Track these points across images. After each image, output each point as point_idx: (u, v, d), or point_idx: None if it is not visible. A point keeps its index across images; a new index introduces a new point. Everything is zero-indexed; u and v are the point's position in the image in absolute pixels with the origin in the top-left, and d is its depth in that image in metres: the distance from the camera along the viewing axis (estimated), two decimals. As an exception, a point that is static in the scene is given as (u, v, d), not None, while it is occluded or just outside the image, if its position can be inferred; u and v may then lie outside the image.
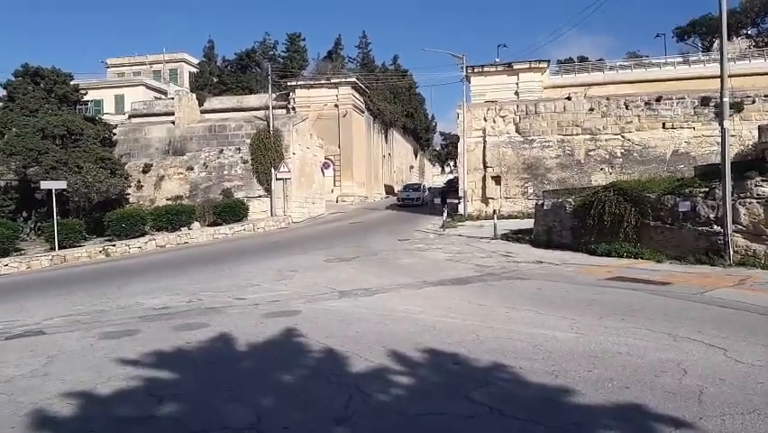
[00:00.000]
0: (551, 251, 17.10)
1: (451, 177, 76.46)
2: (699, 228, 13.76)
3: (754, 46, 42.22)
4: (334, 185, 44.00)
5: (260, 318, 9.59)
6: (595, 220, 15.81)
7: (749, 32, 41.90)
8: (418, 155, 71.07)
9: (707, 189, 13.91)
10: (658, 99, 28.04)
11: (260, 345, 7.88)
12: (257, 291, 12.54)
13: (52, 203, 22.17)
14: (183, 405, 5.53)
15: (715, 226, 13.47)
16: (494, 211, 23.61)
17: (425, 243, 21.60)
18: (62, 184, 22.78)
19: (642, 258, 14.66)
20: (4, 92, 32.97)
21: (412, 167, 67.05)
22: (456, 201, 33.14)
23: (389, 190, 54.61)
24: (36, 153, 26.32)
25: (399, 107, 53.34)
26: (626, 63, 42.73)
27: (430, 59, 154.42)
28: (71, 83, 33.48)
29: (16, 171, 26.77)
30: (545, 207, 18.45)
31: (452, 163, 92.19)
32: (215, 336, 8.41)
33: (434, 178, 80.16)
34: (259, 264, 17.25)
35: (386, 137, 54.38)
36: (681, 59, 41.19)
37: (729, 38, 42.78)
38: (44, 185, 22.29)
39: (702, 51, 42.12)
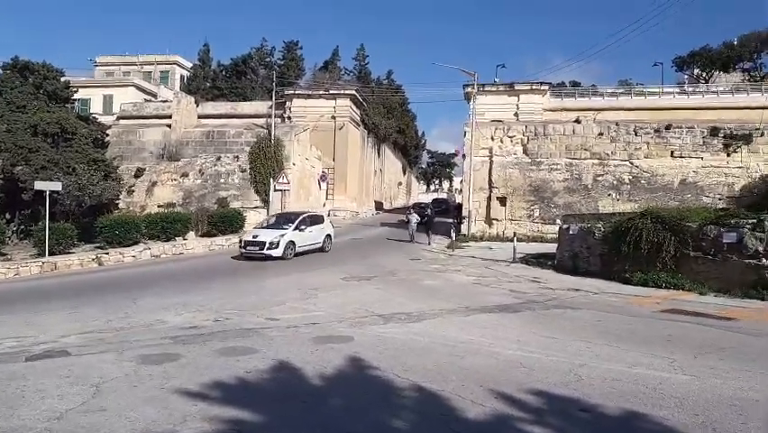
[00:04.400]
0: (579, 278, 16.51)
1: (438, 195, 75.79)
2: (746, 261, 13.31)
3: (747, 80, 42.82)
4: (326, 198, 43.00)
5: (310, 344, 8.75)
6: (630, 248, 15.28)
7: (745, 67, 42.54)
8: (406, 172, 70.60)
9: (755, 220, 13.49)
10: (667, 127, 27.99)
11: (332, 377, 7.03)
12: (286, 311, 11.69)
13: (45, 205, 20.79)
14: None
15: (764, 260, 13.02)
16: (514, 234, 22.93)
17: (438, 263, 20.84)
18: (57, 185, 21.39)
19: (682, 289, 14.15)
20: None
21: (400, 183, 66.47)
22: (450, 221, 32.54)
23: (379, 206, 53.81)
24: (26, 151, 24.85)
25: (393, 122, 52.78)
26: (626, 90, 42.89)
27: (424, 77, 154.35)
28: (62, 80, 32.06)
29: (2, 169, 25.25)
30: (571, 233, 17.90)
31: (436, 182, 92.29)
32: (275, 365, 7.53)
33: (420, 196, 79.70)
34: (272, 280, 16.32)
35: (378, 152, 53.74)
36: (678, 90, 41.52)
37: (726, 71, 43.50)
38: (38, 185, 20.88)
39: (702, 82, 42.55)
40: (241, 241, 22.16)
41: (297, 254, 21.41)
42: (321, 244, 23.08)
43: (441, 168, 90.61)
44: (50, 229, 21.00)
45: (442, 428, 5.30)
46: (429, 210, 37.45)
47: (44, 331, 9.91)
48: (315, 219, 23.79)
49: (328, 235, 23.95)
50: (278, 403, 6.06)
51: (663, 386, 6.50)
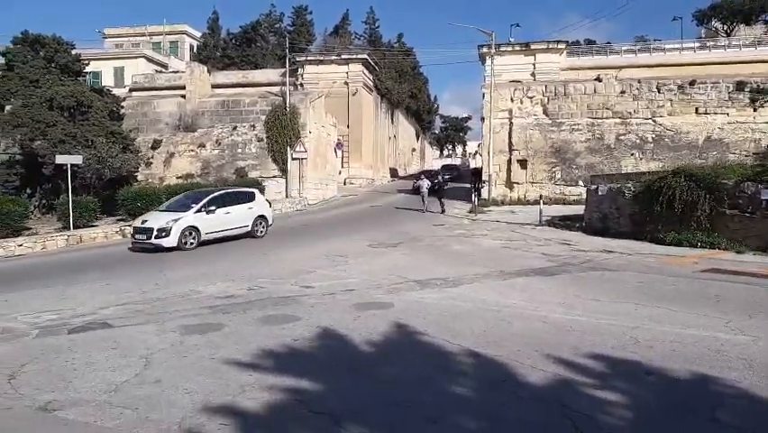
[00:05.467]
0: (610, 239, 16.25)
1: (449, 161, 74.80)
2: (786, 218, 12.97)
3: (768, 33, 41.50)
4: (342, 166, 42.74)
5: (351, 311, 8.66)
6: (663, 207, 14.97)
7: (767, 19, 41.16)
8: (420, 138, 69.88)
9: (795, 177, 13.11)
10: (691, 83, 27.24)
11: (382, 344, 6.93)
12: (318, 279, 11.57)
13: (67, 179, 20.72)
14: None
15: (805, 216, 12.68)
16: (540, 196, 22.63)
17: (462, 228, 20.64)
18: (78, 159, 21.26)
19: (718, 248, 13.89)
20: (2, 60, 31.11)
21: (414, 150, 65.89)
22: (467, 186, 31.94)
23: (394, 173, 53.43)
24: (44, 126, 24.73)
25: (406, 87, 51.98)
26: (643, 47, 41.76)
27: (434, 39, 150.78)
28: (73, 52, 31.71)
29: (21, 145, 25.20)
30: (600, 193, 17.57)
31: (450, 147, 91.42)
32: (320, 333, 7.43)
33: (433, 162, 79.05)
34: (300, 249, 16.21)
35: (392, 118, 53.11)
36: (699, 45, 40.37)
37: (748, 24, 42.17)
38: (59, 159, 20.75)
39: (723, 36, 41.31)
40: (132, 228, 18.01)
41: (207, 242, 17.25)
42: (249, 228, 18.61)
43: (454, 132, 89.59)
44: (73, 203, 21.00)
45: (506, 394, 5.16)
46: (440, 177, 36.50)
47: (81, 304, 9.87)
48: (239, 197, 19.14)
49: (261, 217, 19.16)
50: (334, 371, 5.95)
51: (726, 348, 6.32)
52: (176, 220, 16.83)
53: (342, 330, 7.54)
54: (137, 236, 17.10)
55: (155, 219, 17.14)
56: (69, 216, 20.64)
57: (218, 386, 5.50)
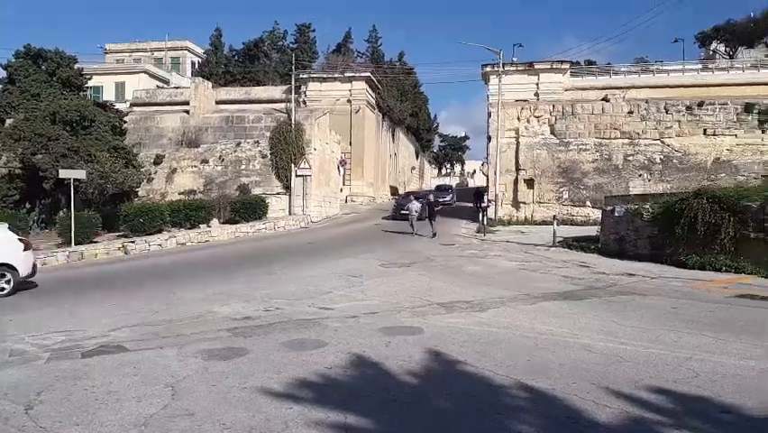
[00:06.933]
0: (628, 262, 15.88)
1: (445, 181, 73.97)
2: (815, 242, 12.66)
3: (768, 56, 41.67)
4: (344, 184, 42.38)
5: (379, 336, 8.25)
6: (684, 230, 14.64)
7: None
8: (419, 156, 69.74)
9: (824, 200, 12.82)
10: (700, 104, 27.14)
11: (422, 374, 6.50)
12: (336, 300, 11.18)
13: (70, 193, 20.26)
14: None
15: (835, 241, 12.37)
16: (554, 217, 22.26)
17: (473, 248, 20.25)
18: (81, 173, 20.84)
19: (743, 273, 13.54)
20: (4, 73, 30.79)
21: (413, 168, 65.67)
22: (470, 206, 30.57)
23: (394, 191, 53.07)
24: (46, 139, 24.31)
25: (407, 105, 51.90)
26: (644, 68, 41.87)
27: (434, 57, 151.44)
28: (75, 67, 31.42)
29: (22, 159, 24.74)
30: (617, 215, 17.24)
31: (448, 166, 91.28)
32: (353, 360, 7.00)
33: (432, 180, 78.79)
34: (311, 268, 15.77)
35: (393, 136, 52.94)
36: (701, 66, 40.49)
37: (751, 46, 42.38)
38: (63, 173, 20.32)
39: (726, 58, 41.46)
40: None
41: None
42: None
43: (452, 151, 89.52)
44: (74, 218, 20.51)
45: (577, 434, 4.74)
46: (431, 197, 31.16)
47: (91, 324, 9.41)
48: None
49: (6, 267, 12.76)
50: (379, 404, 5.50)
51: (794, 381, 5.93)
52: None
53: (376, 358, 7.11)
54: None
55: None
56: (71, 231, 20.16)
57: (259, 421, 5.05)
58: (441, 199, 36.70)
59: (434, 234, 23.07)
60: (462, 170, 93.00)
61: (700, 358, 6.86)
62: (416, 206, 24.80)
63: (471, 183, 79.91)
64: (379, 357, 7.12)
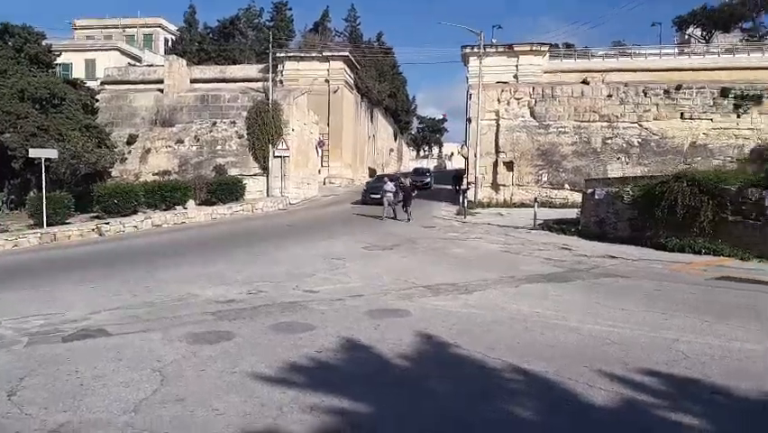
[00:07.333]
0: (608, 244, 16.05)
1: (422, 164, 73.26)
2: (792, 225, 12.91)
3: (745, 40, 42.32)
4: (322, 165, 42.03)
5: (367, 319, 8.18)
6: (664, 213, 14.82)
7: (744, 27, 41.94)
8: (397, 138, 69.47)
9: (801, 183, 13.06)
10: (677, 88, 27.43)
11: (414, 357, 6.44)
12: (320, 283, 11.07)
13: (41, 173, 19.69)
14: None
15: (811, 223, 12.63)
16: (535, 199, 22.38)
17: (454, 231, 20.27)
18: (53, 153, 20.22)
19: (722, 255, 13.77)
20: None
21: (392, 150, 65.44)
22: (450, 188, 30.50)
23: (372, 173, 52.86)
24: (14, 117, 23.53)
25: (386, 86, 51.54)
26: (621, 51, 42.22)
27: (412, 38, 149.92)
28: (43, 43, 30.37)
29: (-11, 137, 23.93)
30: (597, 197, 17.38)
31: (426, 148, 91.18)
32: (343, 343, 6.92)
33: (410, 162, 78.63)
34: (292, 250, 15.62)
35: (371, 117, 52.59)
36: (677, 51, 40.99)
37: (726, 31, 42.93)
38: (33, 153, 19.70)
39: (702, 42, 41.95)
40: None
41: None
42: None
43: (430, 133, 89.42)
44: (46, 199, 19.96)
45: (578, 416, 4.74)
46: (407, 180, 29.71)
47: (69, 308, 9.14)
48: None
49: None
50: (374, 388, 5.44)
51: (781, 363, 6.02)
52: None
53: (366, 341, 7.03)
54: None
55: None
56: (43, 212, 19.61)
57: (252, 406, 4.94)
58: (419, 182, 36.20)
59: (409, 220, 22.62)
60: (440, 152, 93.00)
61: (687, 340, 6.93)
62: (390, 186, 24.13)
63: (450, 166, 79.85)
64: (369, 340, 7.05)
